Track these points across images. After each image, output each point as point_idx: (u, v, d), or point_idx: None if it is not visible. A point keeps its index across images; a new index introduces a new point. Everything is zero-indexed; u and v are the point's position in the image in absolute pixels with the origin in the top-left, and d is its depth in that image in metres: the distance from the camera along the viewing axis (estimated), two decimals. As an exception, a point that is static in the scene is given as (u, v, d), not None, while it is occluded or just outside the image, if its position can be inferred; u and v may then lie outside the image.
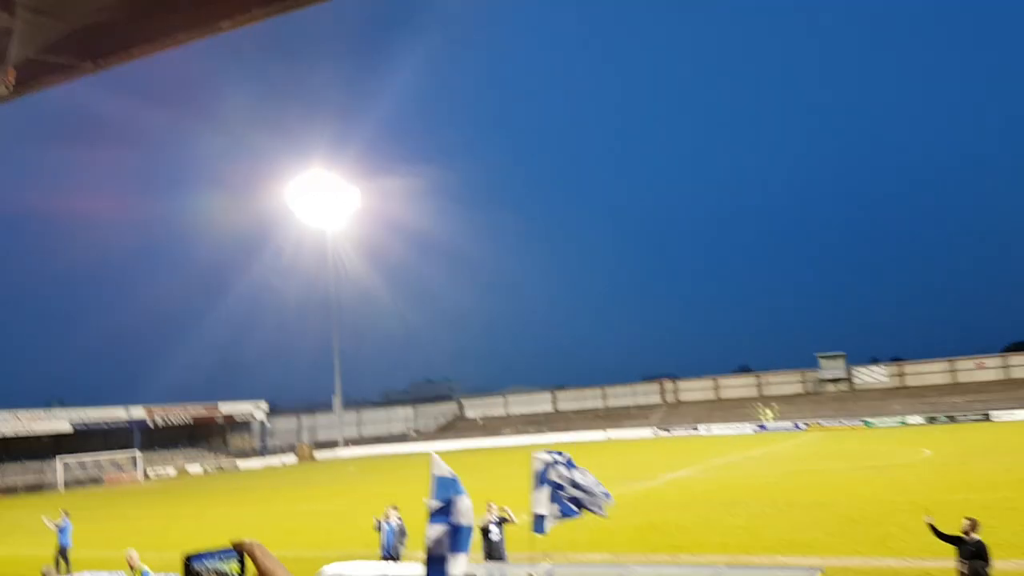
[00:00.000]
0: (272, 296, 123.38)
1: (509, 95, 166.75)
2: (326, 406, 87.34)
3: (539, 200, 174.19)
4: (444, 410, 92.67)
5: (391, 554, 15.38)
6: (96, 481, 62.72)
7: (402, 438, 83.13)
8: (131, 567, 12.31)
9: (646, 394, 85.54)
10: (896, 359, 78.93)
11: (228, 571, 1.79)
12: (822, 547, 15.78)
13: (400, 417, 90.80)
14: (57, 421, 66.09)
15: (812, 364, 78.63)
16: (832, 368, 77.14)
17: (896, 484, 25.75)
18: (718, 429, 69.31)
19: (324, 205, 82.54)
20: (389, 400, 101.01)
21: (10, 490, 57.72)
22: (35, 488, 59.20)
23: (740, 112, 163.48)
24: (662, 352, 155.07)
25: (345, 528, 23.84)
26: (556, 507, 10.70)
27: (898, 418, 63.07)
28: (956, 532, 9.75)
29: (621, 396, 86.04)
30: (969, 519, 9.64)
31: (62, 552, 19.18)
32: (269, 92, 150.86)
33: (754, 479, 30.49)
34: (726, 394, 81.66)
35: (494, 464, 49.15)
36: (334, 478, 49.81)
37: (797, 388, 78.99)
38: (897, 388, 73.63)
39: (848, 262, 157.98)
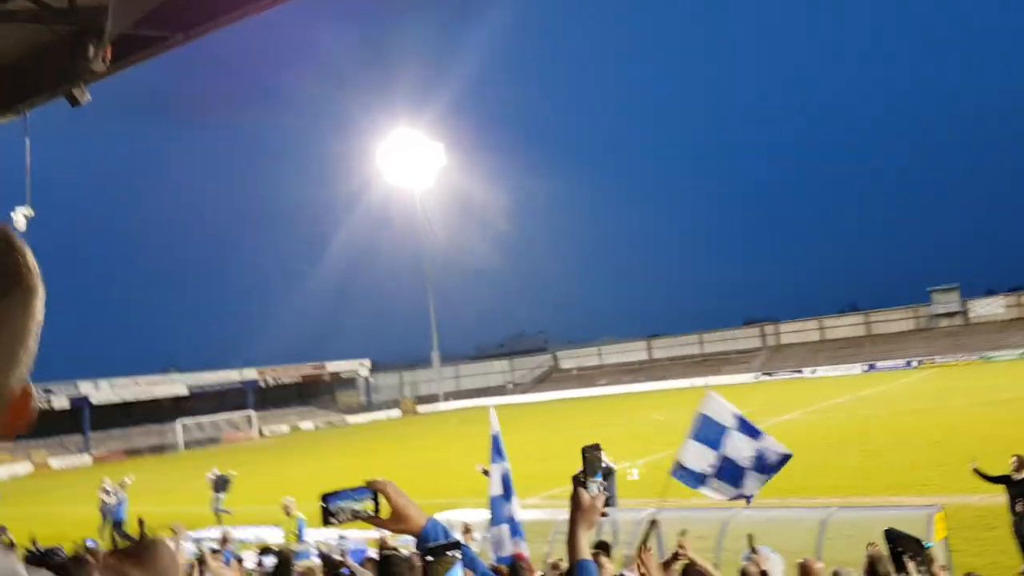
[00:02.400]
0: (369, 256, 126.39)
1: (598, 47, 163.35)
2: (425, 362, 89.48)
3: (630, 146, 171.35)
4: (539, 362, 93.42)
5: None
6: (214, 440, 66.34)
7: (499, 391, 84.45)
8: (288, 514, 13.36)
9: (746, 339, 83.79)
10: (1015, 289, 74.50)
11: (362, 508, 1.84)
12: (939, 486, 15.22)
13: (496, 370, 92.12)
14: (175, 385, 70.15)
15: (923, 300, 75.21)
16: (945, 302, 73.49)
17: (1018, 418, 24.48)
18: (824, 371, 67.40)
19: (412, 163, 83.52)
20: (484, 354, 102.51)
21: (135, 451, 61.73)
22: (158, 449, 63.11)
23: (839, 37, 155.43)
24: (761, 295, 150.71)
25: (451, 477, 24.46)
26: (714, 479, 9.39)
27: (1019, 351, 59.75)
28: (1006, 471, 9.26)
29: (719, 342, 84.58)
30: (1017, 456, 9.14)
31: (116, 526, 18.52)
32: (357, 52, 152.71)
33: (865, 420, 29.59)
34: (832, 335, 79.13)
35: (590, 413, 49.43)
36: (437, 430, 51.17)
37: (908, 325, 75.70)
38: (1016, 319, 69.56)
39: (957, 189, 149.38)
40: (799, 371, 69.45)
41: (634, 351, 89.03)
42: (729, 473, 9.27)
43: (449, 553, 1.54)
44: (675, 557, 5.63)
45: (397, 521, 1.90)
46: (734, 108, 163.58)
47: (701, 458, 9.36)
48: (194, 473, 36.99)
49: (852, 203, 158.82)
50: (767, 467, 9.24)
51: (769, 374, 70.90)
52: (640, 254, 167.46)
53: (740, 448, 9.29)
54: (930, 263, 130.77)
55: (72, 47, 6.29)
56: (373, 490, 1.86)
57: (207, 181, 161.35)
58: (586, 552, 2.04)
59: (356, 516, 1.84)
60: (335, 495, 1.85)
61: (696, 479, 9.40)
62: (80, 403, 62.28)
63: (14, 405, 0.78)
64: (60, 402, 61.37)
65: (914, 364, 63.68)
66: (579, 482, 2.06)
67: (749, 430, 9.41)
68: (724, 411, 9.51)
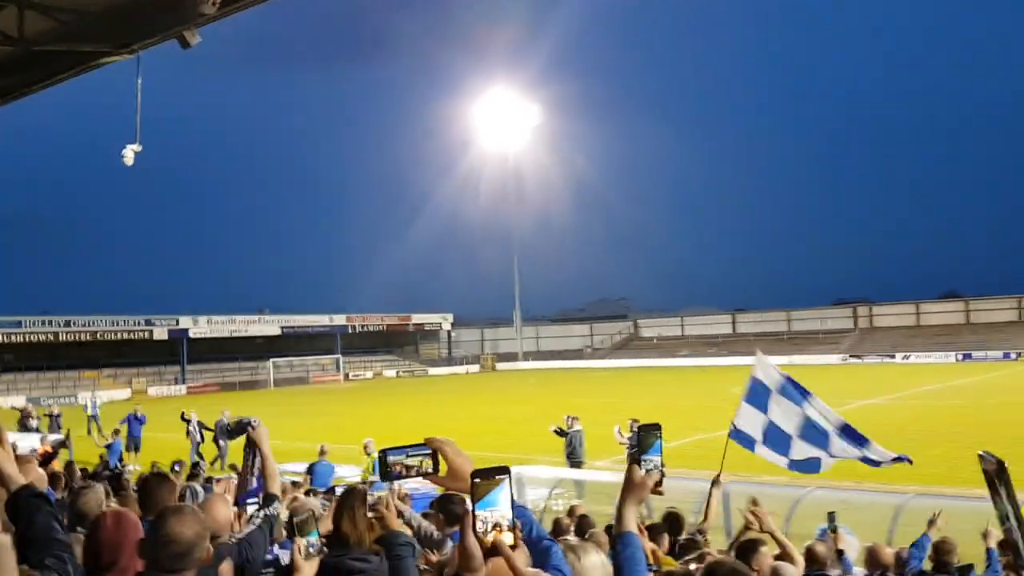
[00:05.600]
0: (460, 214, 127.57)
1: (698, 8, 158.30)
2: (506, 321, 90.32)
3: (726, 112, 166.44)
4: (619, 328, 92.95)
5: (574, 460, 16.07)
6: (302, 380, 68.95)
7: (578, 354, 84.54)
8: (366, 453, 14.16)
9: (836, 319, 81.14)
10: None
11: (420, 465, 1.89)
12: (1030, 484, 14.53)
13: (576, 333, 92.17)
14: (268, 325, 72.98)
15: (1030, 289, 71.16)
16: (1053, 295, 69.39)
17: None
18: (916, 358, 64.81)
19: (505, 123, 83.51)
20: (565, 317, 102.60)
21: (228, 386, 64.73)
22: (249, 385, 66.02)
23: (945, 30, 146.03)
24: (856, 274, 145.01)
25: (526, 433, 24.81)
26: (762, 445, 8.97)
27: None
28: None
29: (808, 320, 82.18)
30: None
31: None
32: (450, 11, 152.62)
33: (955, 409, 28.44)
34: (927, 321, 75.86)
35: (668, 382, 49.05)
36: (515, 387, 51.79)
37: (1011, 315, 71.85)
38: None
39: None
40: (891, 356, 66.98)
41: (717, 324, 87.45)
42: (775, 439, 9.00)
43: (497, 476, 1.63)
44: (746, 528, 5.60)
45: (454, 479, 1.93)
46: (838, 81, 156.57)
47: (753, 421, 9.17)
48: (286, 410, 38.62)
49: (957, 186, 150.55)
50: (820, 440, 8.86)
51: (858, 357, 68.64)
52: (729, 225, 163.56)
53: (786, 413, 8.85)
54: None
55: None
56: (431, 448, 1.92)
57: (309, 130, 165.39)
58: (631, 525, 2.14)
59: (414, 472, 1.90)
60: (394, 450, 1.90)
61: (749, 442, 9.22)
62: (179, 336, 65.64)
63: None
64: (160, 334, 64.89)
65: (1013, 356, 60.56)
66: (633, 459, 2.13)
67: (796, 394, 9.03)
68: (771, 373, 9.25)
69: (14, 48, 7.99)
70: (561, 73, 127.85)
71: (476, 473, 1.63)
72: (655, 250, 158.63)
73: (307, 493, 8.93)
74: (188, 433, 21.76)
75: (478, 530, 1.58)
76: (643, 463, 2.11)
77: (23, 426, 22.94)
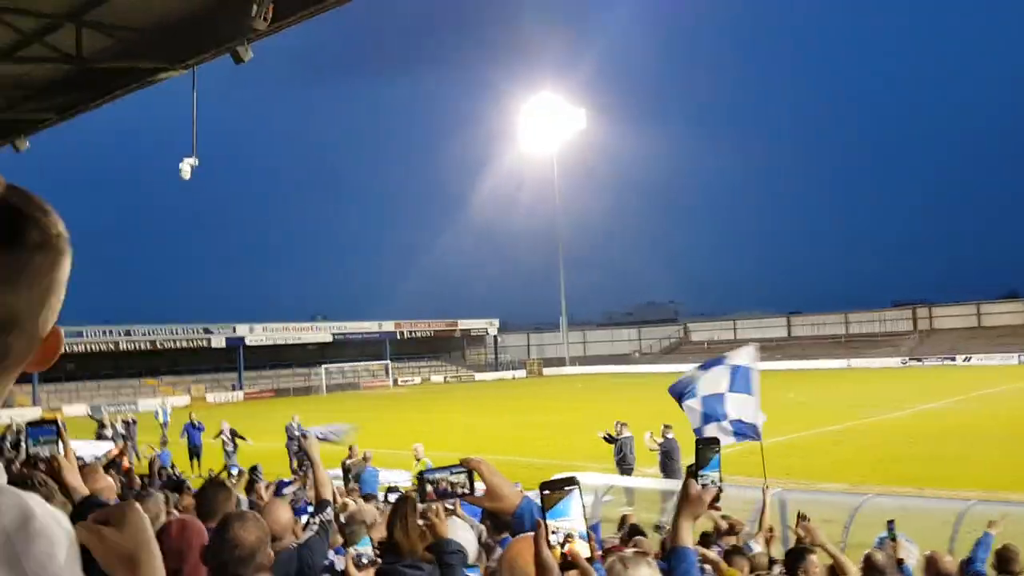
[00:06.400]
0: (505, 218, 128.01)
1: (747, 13, 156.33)
2: (552, 325, 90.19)
3: (776, 113, 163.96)
4: (668, 332, 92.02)
5: (624, 467, 15.93)
6: (353, 386, 69.86)
7: (626, 359, 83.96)
8: (416, 458, 14.26)
9: (895, 321, 79.16)
10: None
11: (457, 485, 1.90)
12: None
13: (623, 338, 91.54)
14: (321, 332, 74.17)
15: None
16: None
17: None
18: (978, 359, 62.84)
19: (552, 127, 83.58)
20: (612, 321, 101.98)
21: (283, 391, 65.86)
22: (303, 391, 67.04)
23: (998, 31, 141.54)
24: (914, 275, 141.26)
25: (574, 440, 24.71)
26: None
27: None
28: None
29: (866, 323, 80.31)
30: None
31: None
32: (504, 15, 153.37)
33: (1018, 412, 27.49)
34: (988, 322, 73.53)
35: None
36: (562, 393, 51.63)
37: (1078, 317, 69.36)
38: None
39: None
40: (951, 358, 65.10)
41: (772, 327, 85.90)
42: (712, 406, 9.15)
43: (566, 488, 1.61)
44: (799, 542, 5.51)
45: (492, 499, 1.93)
46: (892, 80, 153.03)
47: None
48: (337, 416, 39.07)
49: (1017, 184, 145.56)
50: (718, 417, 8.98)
51: (918, 359, 66.88)
52: (781, 225, 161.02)
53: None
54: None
55: (237, 6, 6.69)
56: (467, 468, 1.91)
57: (356, 141, 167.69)
58: (687, 540, 2.12)
59: (451, 493, 1.90)
60: (432, 471, 1.92)
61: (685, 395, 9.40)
62: (236, 344, 67.05)
63: (45, 345, 0.91)
64: (218, 342, 66.39)
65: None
66: (691, 473, 2.10)
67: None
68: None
69: (72, 66, 8.26)
70: (607, 79, 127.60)
71: (545, 484, 1.61)
72: (707, 255, 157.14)
73: (366, 499, 8.98)
74: (223, 444, 21.92)
75: (552, 541, 1.56)
76: (700, 478, 2.09)
77: (100, 435, 23.24)
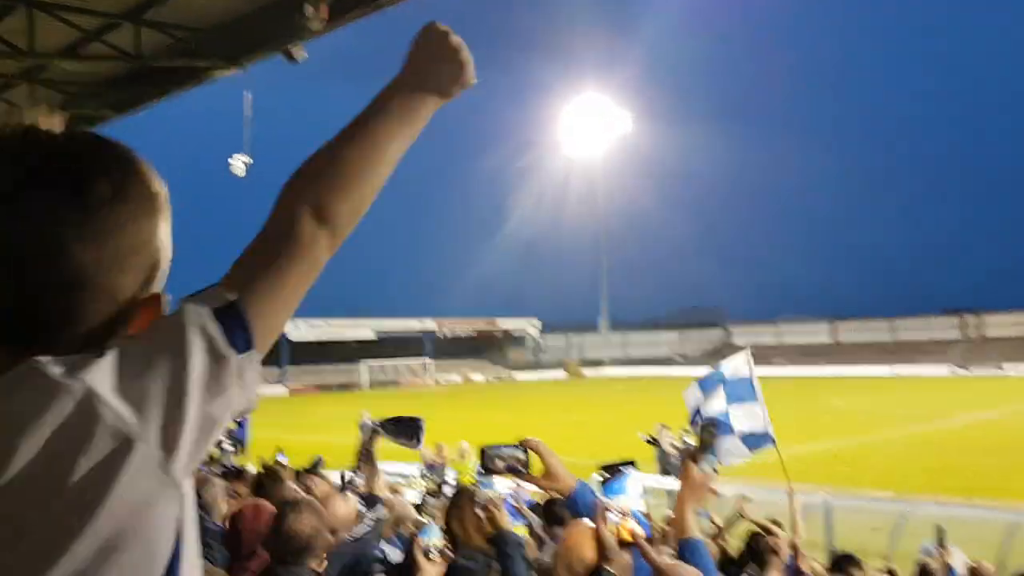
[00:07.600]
0: (549, 219, 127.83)
1: (795, 15, 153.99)
2: (593, 327, 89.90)
3: (824, 117, 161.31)
4: (710, 336, 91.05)
5: (666, 469, 15.87)
6: (394, 383, 70.41)
7: (667, 362, 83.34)
8: (462, 457, 14.37)
9: (943, 328, 77.37)
10: None
11: (516, 463, 1.97)
12: None
13: (664, 341, 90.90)
14: (363, 329, 74.98)
15: None
16: None
17: None
18: (1031, 369, 61.09)
19: (596, 129, 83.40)
20: (654, 324, 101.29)
21: (325, 387, 66.70)
22: (345, 387, 67.80)
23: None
24: (963, 281, 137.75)
25: (615, 441, 24.54)
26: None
27: None
28: None
29: (913, 329, 78.61)
30: None
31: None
32: (544, 14, 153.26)
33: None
34: (1042, 330, 71.45)
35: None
36: (603, 393, 51.43)
37: None
38: None
39: None
40: (1001, 367, 63.32)
41: (816, 333, 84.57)
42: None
43: (622, 468, 1.64)
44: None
45: (548, 479, 1.99)
46: (940, 84, 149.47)
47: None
48: (379, 413, 39.37)
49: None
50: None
51: (966, 368, 65.20)
52: (827, 229, 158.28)
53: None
54: None
55: (291, 6, 6.82)
56: (526, 448, 1.98)
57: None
58: (694, 530, 2.00)
59: (510, 469, 1.98)
60: (493, 447, 2.00)
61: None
62: (280, 339, 67.95)
63: (143, 313, 0.84)
64: (262, 336, 67.40)
65: None
66: (691, 457, 2.02)
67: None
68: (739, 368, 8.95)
69: (131, 64, 8.49)
70: (652, 80, 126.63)
71: (604, 467, 1.64)
72: (751, 258, 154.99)
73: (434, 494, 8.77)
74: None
75: (611, 521, 1.58)
76: (702, 462, 2.01)
77: None
